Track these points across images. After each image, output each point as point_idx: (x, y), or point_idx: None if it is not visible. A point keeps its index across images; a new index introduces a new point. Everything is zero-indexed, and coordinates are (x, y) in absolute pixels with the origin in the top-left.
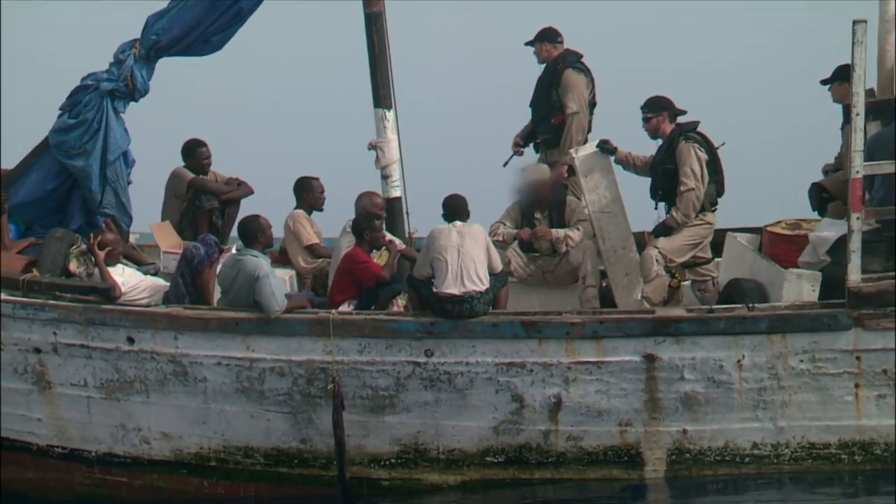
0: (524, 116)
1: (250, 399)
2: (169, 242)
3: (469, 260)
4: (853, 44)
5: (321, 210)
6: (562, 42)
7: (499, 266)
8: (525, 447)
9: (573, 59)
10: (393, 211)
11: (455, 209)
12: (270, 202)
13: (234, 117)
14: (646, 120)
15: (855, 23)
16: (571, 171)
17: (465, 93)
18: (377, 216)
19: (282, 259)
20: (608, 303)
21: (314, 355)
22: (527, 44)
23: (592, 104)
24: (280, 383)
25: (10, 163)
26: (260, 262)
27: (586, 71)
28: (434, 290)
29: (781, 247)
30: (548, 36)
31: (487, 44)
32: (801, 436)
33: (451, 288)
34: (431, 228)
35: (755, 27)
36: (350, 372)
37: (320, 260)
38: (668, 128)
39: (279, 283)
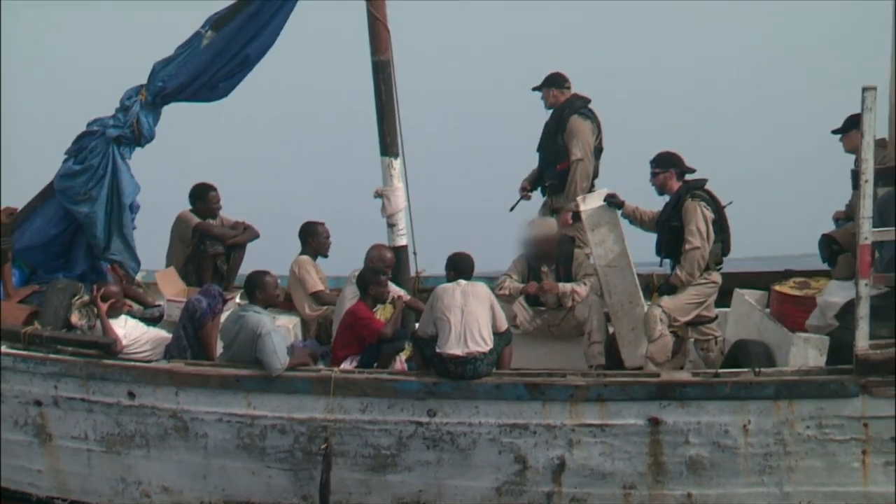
0: (533, 160)
1: (251, 455)
2: (173, 290)
3: (473, 320)
4: (862, 110)
5: (326, 256)
6: (569, 87)
7: (503, 325)
8: None
9: (580, 105)
10: (399, 260)
11: (460, 267)
12: (277, 246)
13: (242, 161)
14: (653, 175)
15: (864, 90)
16: (577, 216)
17: (475, 133)
18: (383, 272)
19: (287, 305)
20: (614, 357)
21: (315, 413)
22: (534, 89)
23: (598, 150)
24: (281, 440)
25: (11, 170)
26: (262, 319)
27: (592, 117)
28: (437, 350)
29: (789, 307)
30: (555, 81)
31: (496, 86)
32: (807, 502)
33: (455, 349)
34: (436, 287)
35: (761, 43)
36: (352, 430)
37: (325, 307)
38: (675, 184)
39: (281, 340)
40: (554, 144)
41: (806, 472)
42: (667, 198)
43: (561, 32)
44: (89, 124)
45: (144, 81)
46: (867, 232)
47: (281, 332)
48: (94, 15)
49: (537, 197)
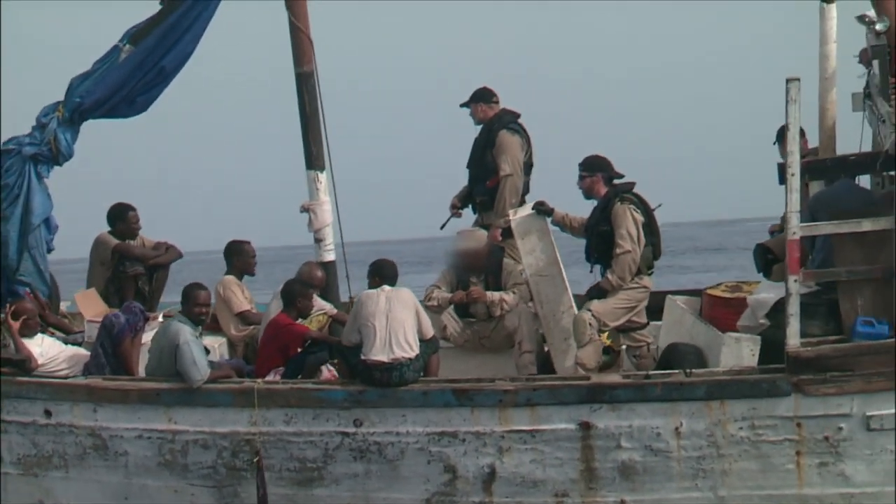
0: (463, 176)
1: (173, 473)
2: (94, 311)
3: (398, 325)
4: (787, 102)
5: (252, 274)
6: (497, 102)
7: (429, 331)
8: None
9: (508, 120)
10: (327, 275)
11: (383, 273)
12: (202, 266)
13: (165, 179)
14: (580, 178)
15: (788, 81)
16: (507, 233)
17: (402, 149)
18: (312, 286)
19: (213, 326)
20: (548, 369)
21: (239, 426)
22: (462, 105)
23: (529, 165)
24: (204, 456)
25: None
26: (182, 328)
27: (521, 131)
28: (362, 357)
29: (720, 310)
30: (482, 96)
31: (425, 99)
32: None
33: (380, 355)
34: (359, 293)
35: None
36: (276, 443)
37: (252, 327)
38: (602, 189)
39: (201, 351)
40: (483, 160)
41: (740, 475)
42: (595, 202)
43: (500, 40)
44: (5, 143)
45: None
46: (795, 227)
47: (202, 343)
48: (95, 14)
49: (468, 214)
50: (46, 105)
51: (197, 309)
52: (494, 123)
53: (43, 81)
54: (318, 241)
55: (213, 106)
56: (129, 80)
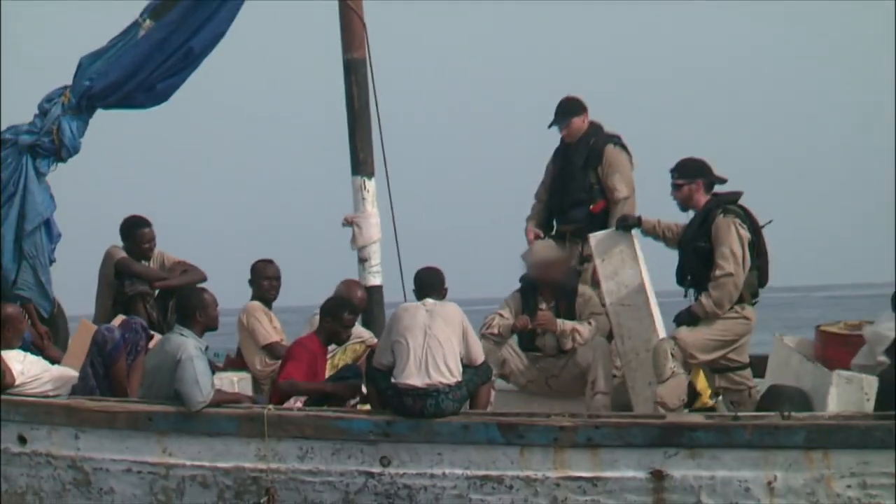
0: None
1: None
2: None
3: (437, 345)
4: None
5: (272, 300)
6: (587, 112)
7: (479, 356)
8: None
9: (609, 135)
10: (371, 302)
11: (426, 283)
12: (229, 291)
13: (190, 185)
14: (676, 187)
15: None
16: (585, 258)
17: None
18: (351, 307)
19: (237, 362)
20: None
21: (244, 461)
22: (553, 124)
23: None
24: (203, 496)
25: None
26: (186, 341)
27: (625, 148)
28: (393, 380)
29: (835, 349)
30: (575, 108)
31: (497, 89)
32: None
33: (413, 378)
34: (397, 307)
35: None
36: (288, 483)
37: (278, 362)
38: (702, 198)
39: (207, 369)
40: (583, 181)
41: None
42: (692, 214)
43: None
44: (4, 132)
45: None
46: None
47: (205, 358)
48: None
49: None
50: (53, 89)
51: (214, 314)
52: (591, 138)
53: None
54: (363, 260)
55: (235, 101)
56: (148, 61)
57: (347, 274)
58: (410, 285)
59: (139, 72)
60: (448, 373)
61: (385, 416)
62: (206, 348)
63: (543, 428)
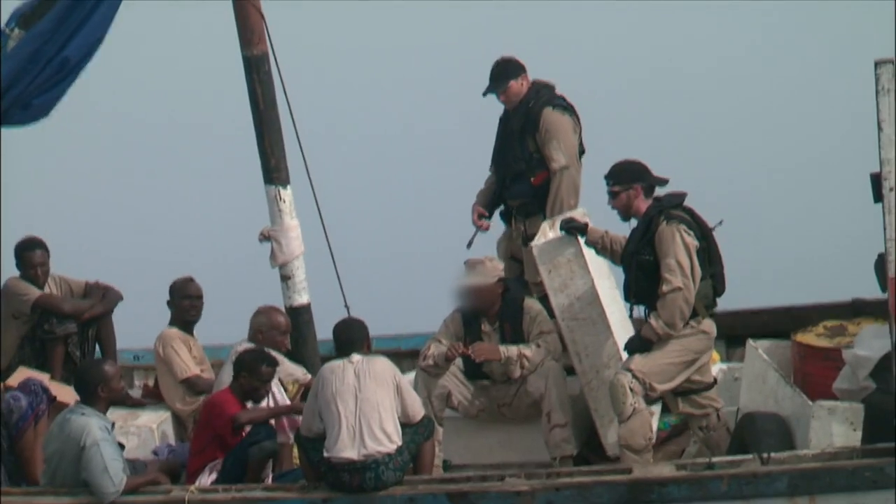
0: (479, 172)
1: None
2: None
3: (371, 409)
4: (877, 90)
5: (193, 322)
6: (526, 73)
7: (417, 412)
8: None
9: (550, 95)
10: (299, 324)
11: (348, 337)
12: (147, 309)
13: (91, 207)
14: (612, 195)
15: (878, 64)
16: (525, 240)
17: (401, 145)
18: (270, 360)
19: (157, 393)
20: (594, 446)
21: None
22: (488, 92)
23: (581, 152)
24: None
25: None
26: (90, 423)
27: (570, 109)
28: (325, 454)
29: (814, 364)
30: (512, 70)
31: (427, 84)
32: None
33: (348, 451)
34: (322, 367)
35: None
36: None
37: (202, 397)
38: (643, 204)
39: (115, 451)
40: (521, 151)
41: None
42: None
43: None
44: None
45: None
46: None
47: (112, 440)
48: None
49: (497, 224)
50: None
51: (118, 386)
52: (531, 101)
53: None
54: (285, 278)
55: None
56: (22, 76)
57: (270, 297)
58: (352, 301)
59: (12, 88)
60: (386, 439)
61: (321, 493)
62: (113, 426)
63: (497, 495)
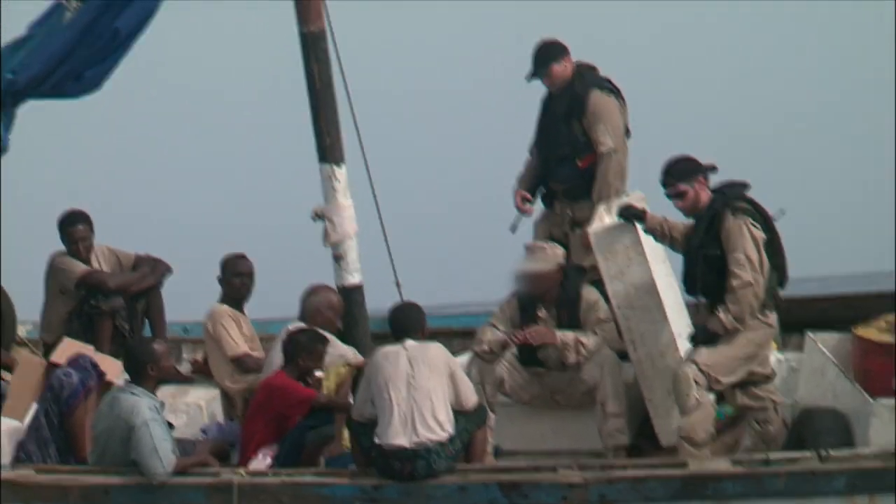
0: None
1: None
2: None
3: (423, 397)
4: None
5: (243, 299)
6: (570, 55)
7: (470, 399)
8: None
9: (596, 78)
10: (351, 305)
11: (403, 324)
12: (197, 284)
13: (141, 180)
14: (680, 195)
15: None
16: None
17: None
18: (325, 340)
19: (207, 369)
20: (649, 436)
21: None
22: (532, 76)
23: (627, 135)
24: None
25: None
26: (139, 403)
27: (616, 91)
28: (376, 440)
29: (876, 359)
30: (555, 53)
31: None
32: None
33: (399, 438)
34: (375, 351)
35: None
36: None
37: (252, 376)
38: (706, 196)
39: (165, 432)
40: (567, 134)
41: None
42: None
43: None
44: None
45: None
46: None
47: (162, 420)
48: None
49: (539, 208)
50: None
51: (168, 364)
52: (576, 84)
53: None
54: (338, 258)
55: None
56: (77, 48)
57: (321, 275)
58: (403, 280)
59: (67, 60)
60: (438, 427)
61: (371, 479)
62: (162, 405)
63: (550, 486)
